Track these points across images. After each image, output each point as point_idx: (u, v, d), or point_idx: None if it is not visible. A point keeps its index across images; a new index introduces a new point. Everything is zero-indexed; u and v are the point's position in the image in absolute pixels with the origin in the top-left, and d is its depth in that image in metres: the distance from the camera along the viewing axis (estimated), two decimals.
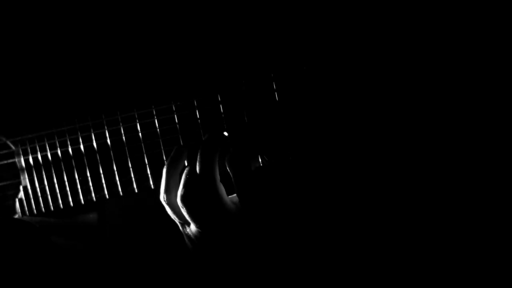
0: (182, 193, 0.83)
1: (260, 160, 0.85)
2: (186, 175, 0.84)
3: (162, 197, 0.85)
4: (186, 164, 0.88)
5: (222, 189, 0.84)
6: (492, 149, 0.82)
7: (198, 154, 0.84)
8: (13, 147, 0.99)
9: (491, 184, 0.85)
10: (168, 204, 0.85)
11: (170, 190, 0.85)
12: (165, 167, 0.86)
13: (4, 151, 1.00)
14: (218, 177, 0.83)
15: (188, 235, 0.87)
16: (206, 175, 0.82)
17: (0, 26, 1.01)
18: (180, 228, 0.88)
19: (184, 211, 0.83)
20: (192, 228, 0.85)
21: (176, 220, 0.86)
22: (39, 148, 0.96)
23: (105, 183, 0.93)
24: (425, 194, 0.89)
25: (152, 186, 0.91)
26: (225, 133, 0.85)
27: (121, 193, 0.93)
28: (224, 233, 0.83)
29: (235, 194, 0.85)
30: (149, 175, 0.91)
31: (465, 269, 0.88)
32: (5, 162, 1.00)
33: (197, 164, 0.83)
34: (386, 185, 0.90)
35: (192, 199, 0.82)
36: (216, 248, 0.84)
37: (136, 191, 0.92)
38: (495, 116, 0.76)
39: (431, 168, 0.87)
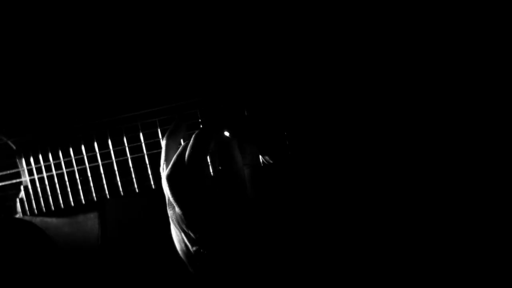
0: (168, 172, 0.80)
1: (261, 160, 0.85)
2: (178, 154, 0.82)
3: (162, 168, 0.84)
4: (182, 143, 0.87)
5: (209, 176, 0.81)
6: (492, 149, 0.82)
7: (192, 137, 0.82)
8: (14, 147, 0.99)
9: (491, 184, 0.85)
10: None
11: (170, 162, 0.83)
12: (164, 139, 0.85)
13: (5, 151, 1.00)
14: (207, 162, 0.82)
15: (171, 218, 0.84)
16: (195, 159, 0.80)
17: (2, 26, 1.01)
18: (167, 209, 0.84)
19: (167, 190, 0.80)
20: (177, 210, 0.81)
21: (168, 198, 0.83)
22: (40, 148, 0.97)
23: (106, 183, 0.93)
24: (425, 192, 0.89)
25: (153, 186, 0.91)
26: (227, 133, 0.85)
27: (122, 193, 0.93)
28: (205, 220, 0.79)
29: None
30: (150, 176, 0.91)
31: (465, 269, 0.88)
32: (6, 162, 1.00)
33: (188, 147, 0.81)
34: (387, 183, 0.90)
35: (176, 180, 0.80)
36: (197, 235, 0.80)
37: (137, 191, 0.92)
38: (496, 116, 0.76)
39: (431, 167, 0.87)
